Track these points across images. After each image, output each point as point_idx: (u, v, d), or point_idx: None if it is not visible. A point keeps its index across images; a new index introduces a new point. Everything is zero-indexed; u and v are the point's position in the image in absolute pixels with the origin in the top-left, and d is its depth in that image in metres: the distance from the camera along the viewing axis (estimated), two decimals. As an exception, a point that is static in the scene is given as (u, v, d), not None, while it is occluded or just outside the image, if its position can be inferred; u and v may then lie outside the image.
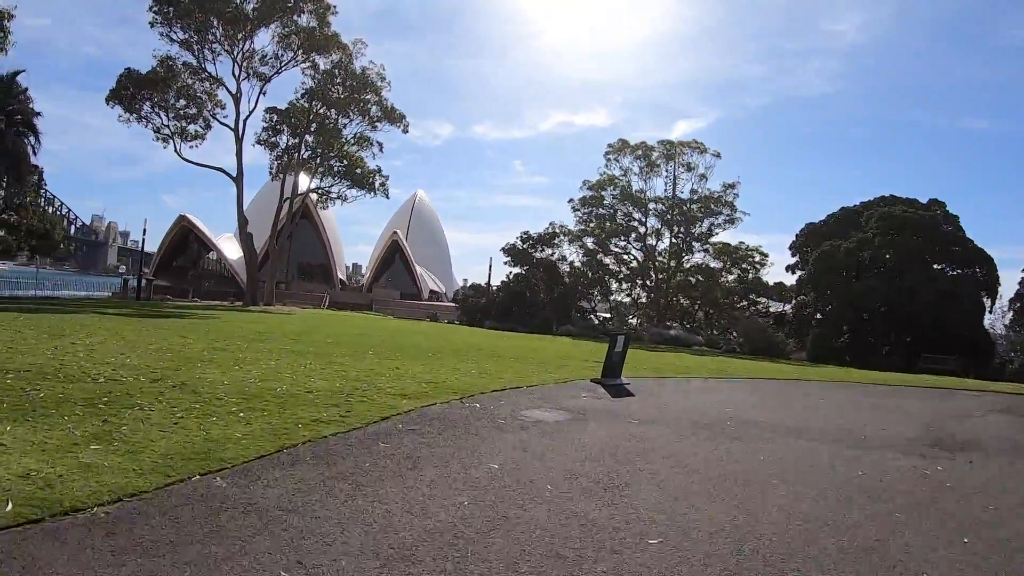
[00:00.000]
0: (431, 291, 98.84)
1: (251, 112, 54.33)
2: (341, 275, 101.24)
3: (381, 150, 57.78)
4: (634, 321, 61.20)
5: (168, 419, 8.22)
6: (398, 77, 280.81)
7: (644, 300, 63.39)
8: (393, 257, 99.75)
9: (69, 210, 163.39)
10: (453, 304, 68.48)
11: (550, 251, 59.21)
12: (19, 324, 19.02)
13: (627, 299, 64.05)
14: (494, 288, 59.16)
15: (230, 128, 54.27)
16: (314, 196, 63.17)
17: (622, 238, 61.49)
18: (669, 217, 60.80)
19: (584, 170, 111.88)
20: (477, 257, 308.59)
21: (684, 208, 60.16)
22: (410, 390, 12.05)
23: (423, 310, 67.08)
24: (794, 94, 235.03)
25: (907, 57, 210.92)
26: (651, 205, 61.38)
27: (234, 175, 54.13)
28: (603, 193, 61.37)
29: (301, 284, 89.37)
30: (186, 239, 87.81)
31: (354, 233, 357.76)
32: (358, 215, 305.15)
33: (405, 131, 56.76)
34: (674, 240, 62.05)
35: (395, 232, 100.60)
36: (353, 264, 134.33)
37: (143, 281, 57.85)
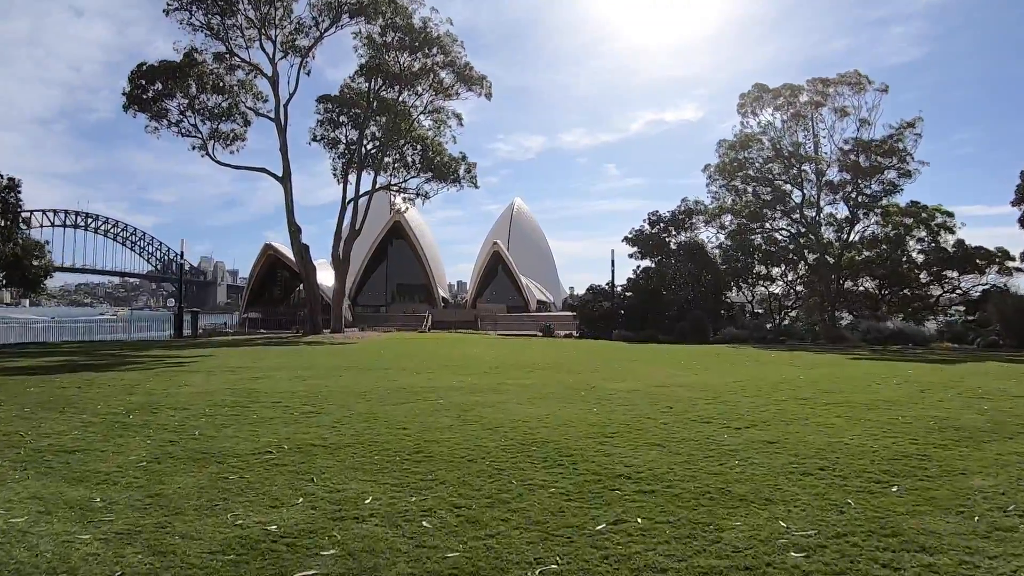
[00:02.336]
0: (539, 301, 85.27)
1: (292, 95, 40.73)
2: (443, 293, 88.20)
3: (460, 123, 42.62)
4: (792, 314, 43.86)
5: None
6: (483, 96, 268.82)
7: (801, 287, 45.23)
8: (496, 269, 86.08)
9: (177, 253, 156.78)
10: (568, 313, 52.09)
11: (686, 234, 42.68)
12: None
13: (780, 288, 45.77)
14: (619, 289, 42.85)
15: (270, 119, 40.41)
16: (400, 202, 48.45)
17: (774, 209, 43.95)
18: (830, 178, 43.12)
19: (681, 165, 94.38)
20: (580, 265, 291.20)
21: (850, 162, 42.08)
22: None
23: (533, 322, 51.54)
24: (884, 63, 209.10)
25: (996, 7, 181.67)
26: (806, 166, 43.66)
27: (280, 174, 39.98)
28: (744, 155, 44.05)
29: (401, 306, 76.42)
30: (274, 269, 75.34)
31: (455, 253, 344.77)
32: (456, 235, 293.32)
33: (488, 96, 41.26)
34: (839, 206, 44.33)
35: (495, 243, 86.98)
36: (458, 282, 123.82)
37: (186, 315, 43.54)
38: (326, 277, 72.48)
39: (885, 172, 41.49)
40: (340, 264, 41.29)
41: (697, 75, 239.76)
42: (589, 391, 12.56)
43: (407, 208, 49.50)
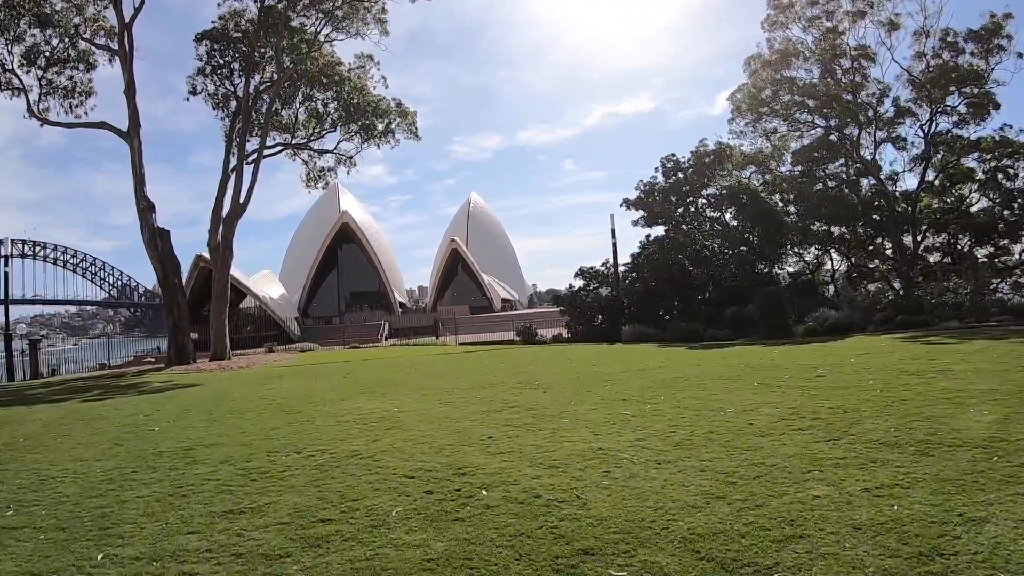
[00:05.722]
0: (503, 300, 71.79)
1: (137, 11, 24.32)
2: (401, 298, 73.75)
3: (385, 32, 26.34)
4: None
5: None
6: (440, 98, 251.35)
7: (840, 253, 29.82)
8: (455, 268, 72.72)
9: (130, 278, 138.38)
10: (552, 309, 36.23)
11: (712, 189, 27.39)
12: None
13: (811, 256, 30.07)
14: (623, 269, 27.39)
15: (110, 49, 24.79)
16: (326, 173, 32.08)
17: (826, 149, 28.58)
18: (892, 106, 28.29)
19: (640, 155, 79.86)
20: (547, 262, 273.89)
21: (935, 66, 27.09)
22: None
23: (505, 323, 35.90)
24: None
25: None
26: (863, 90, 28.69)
27: (125, 129, 23.96)
28: (784, 75, 28.66)
29: (354, 315, 61.80)
30: (210, 283, 58.88)
31: (415, 258, 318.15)
32: (416, 239, 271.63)
33: (412, -2, 25.22)
34: (885, 148, 29.48)
35: (453, 240, 73.98)
36: (418, 287, 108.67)
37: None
38: (272, 290, 56.97)
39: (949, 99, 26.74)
40: (220, 254, 25.11)
41: (653, 65, 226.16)
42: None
43: (324, 185, 32.72)
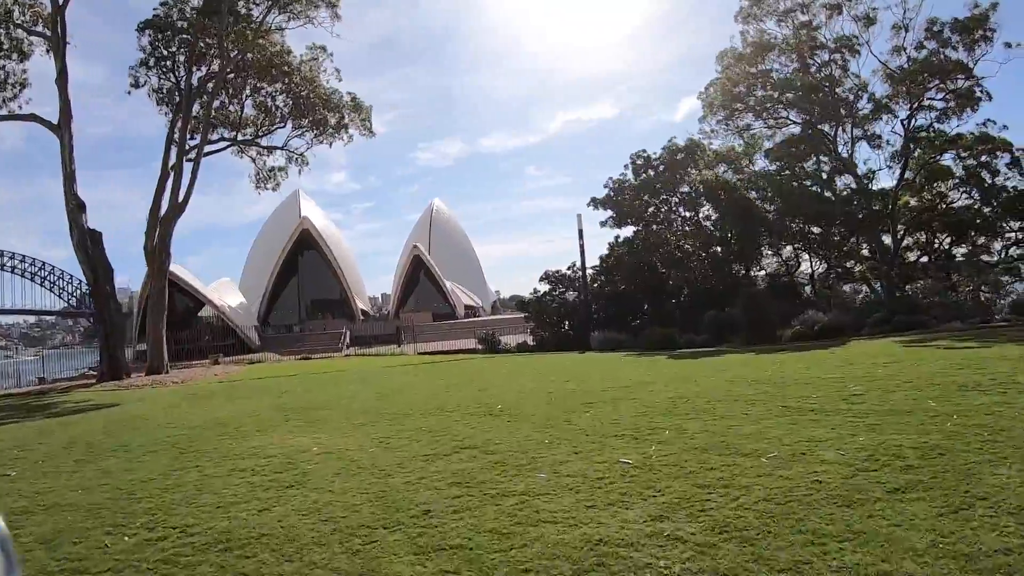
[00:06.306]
0: (466, 306, 68.91)
1: None
2: (363, 306, 70.94)
3: (337, 15, 23.96)
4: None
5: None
6: (404, 103, 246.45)
7: (824, 257, 27.93)
8: (418, 275, 69.51)
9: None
10: (518, 315, 33.99)
11: (684, 189, 25.46)
12: None
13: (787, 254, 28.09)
14: (591, 272, 25.38)
15: (43, 36, 22.39)
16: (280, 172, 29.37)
17: (803, 145, 26.91)
18: (868, 106, 26.76)
19: (603, 161, 78.47)
20: (508, 270, 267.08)
21: (896, 76, 25.76)
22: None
23: (467, 331, 33.75)
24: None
25: None
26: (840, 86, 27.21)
27: (56, 121, 21.41)
28: (759, 70, 26.95)
29: (315, 324, 58.07)
30: (168, 293, 55.41)
31: (379, 265, 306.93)
32: (379, 246, 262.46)
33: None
34: (860, 146, 27.96)
35: (415, 246, 71.40)
36: (382, 294, 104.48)
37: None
38: (230, 298, 53.97)
39: (964, 74, 25.20)
40: (157, 257, 22.40)
41: (615, 72, 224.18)
42: None
43: (275, 186, 29.51)
